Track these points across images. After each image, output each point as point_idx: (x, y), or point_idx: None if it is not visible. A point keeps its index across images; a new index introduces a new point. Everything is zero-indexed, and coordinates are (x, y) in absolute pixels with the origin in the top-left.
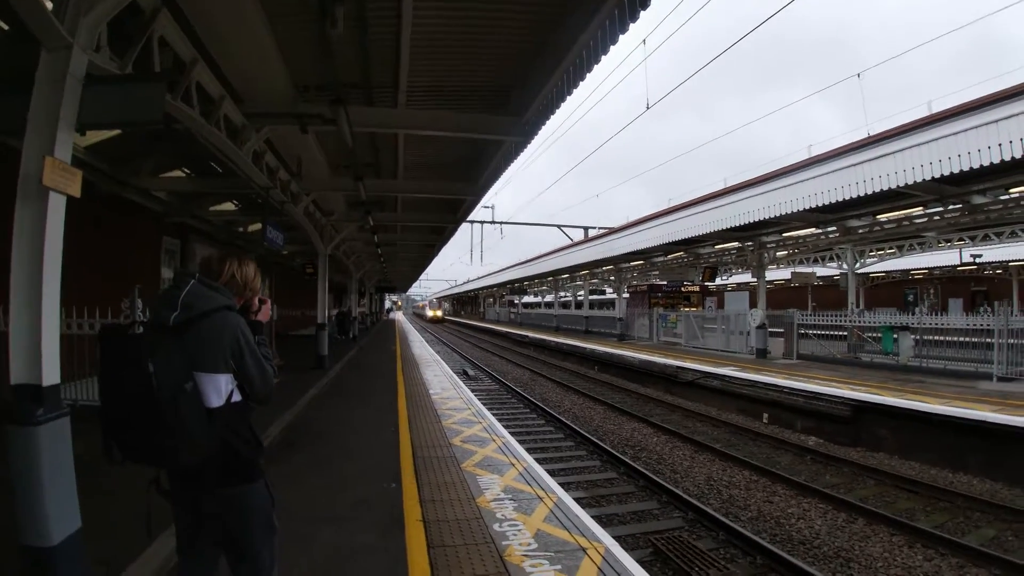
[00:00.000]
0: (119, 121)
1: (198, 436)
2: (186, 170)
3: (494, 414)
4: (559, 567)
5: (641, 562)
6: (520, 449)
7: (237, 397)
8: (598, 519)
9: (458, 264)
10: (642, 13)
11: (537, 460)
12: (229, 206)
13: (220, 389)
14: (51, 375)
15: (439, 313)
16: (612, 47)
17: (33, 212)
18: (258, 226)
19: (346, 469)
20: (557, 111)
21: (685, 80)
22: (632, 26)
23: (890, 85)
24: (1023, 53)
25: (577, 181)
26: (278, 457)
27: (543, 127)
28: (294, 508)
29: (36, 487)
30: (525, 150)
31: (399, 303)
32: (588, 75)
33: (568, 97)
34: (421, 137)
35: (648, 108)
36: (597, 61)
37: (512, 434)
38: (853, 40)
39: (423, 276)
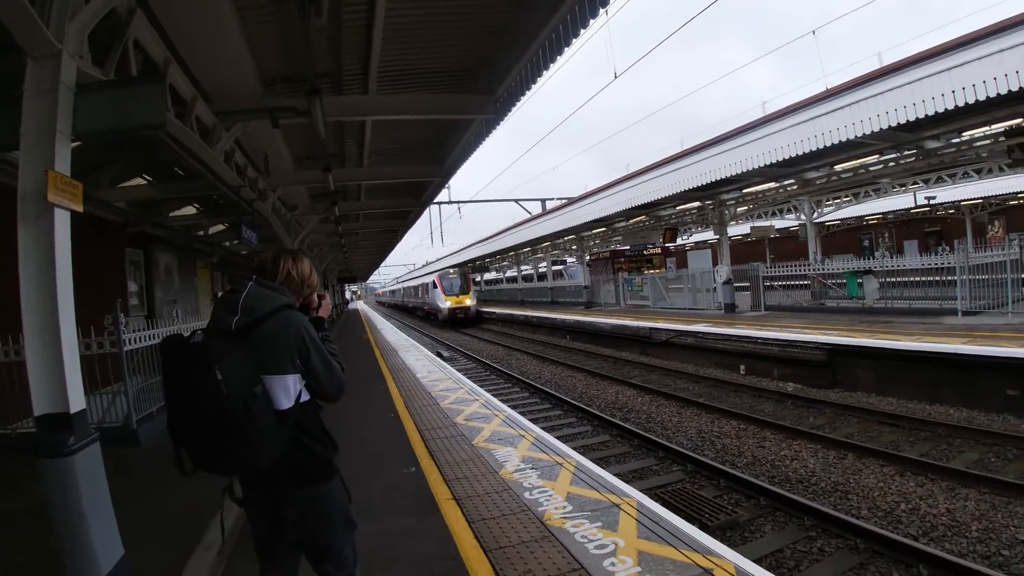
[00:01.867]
0: (115, 128)
1: (271, 439)
2: (147, 177)
3: None
4: (600, 523)
5: None
6: (525, 420)
7: (306, 397)
8: None
9: (420, 248)
10: None
11: None
12: (190, 210)
13: (289, 390)
14: (77, 400)
15: (468, 301)
16: (592, 20)
17: (38, 232)
18: (219, 228)
19: (361, 459)
20: (533, 86)
21: (654, 48)
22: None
23: (826, 35)
24: None
25: (523, 154)
26: None
27: (517, 103)
28: None
29: (78, 520)
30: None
31: (359, 292)
32: (567, 49)
33: (545, 72)
34: (389, 122)
35: (616, 77)
36: (576, 35)
37: None
38: None
39: (383, 263)
